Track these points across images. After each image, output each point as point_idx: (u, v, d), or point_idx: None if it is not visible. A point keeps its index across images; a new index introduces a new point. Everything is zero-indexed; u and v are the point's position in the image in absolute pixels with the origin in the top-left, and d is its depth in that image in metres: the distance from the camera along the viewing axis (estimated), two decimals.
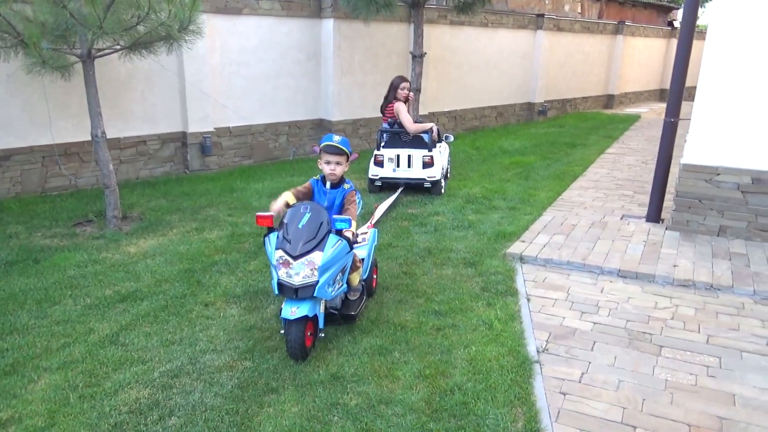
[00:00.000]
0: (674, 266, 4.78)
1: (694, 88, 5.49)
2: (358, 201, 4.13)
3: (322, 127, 10.03)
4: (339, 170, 3.69)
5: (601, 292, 4.45)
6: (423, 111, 10.90)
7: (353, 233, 3.53)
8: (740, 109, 5.18)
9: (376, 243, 4.38)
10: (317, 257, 3.27)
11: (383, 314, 4.00)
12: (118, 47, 5.63)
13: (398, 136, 7.07)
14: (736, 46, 5.09)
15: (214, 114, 8.50)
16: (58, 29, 5.08)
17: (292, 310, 3.28)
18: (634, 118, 15.19)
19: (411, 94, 7.42)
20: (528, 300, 4.29)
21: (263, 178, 7.92)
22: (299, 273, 3.26)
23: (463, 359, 3.46)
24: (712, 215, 5.49)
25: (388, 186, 7.17)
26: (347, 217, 3.40)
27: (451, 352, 3.54)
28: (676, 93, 5.64)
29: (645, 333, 3.80)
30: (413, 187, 7.12)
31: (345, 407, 2.98)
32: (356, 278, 3.84)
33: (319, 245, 3.30)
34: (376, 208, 5.91)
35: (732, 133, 5.25)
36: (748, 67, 5.08)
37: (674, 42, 20.66)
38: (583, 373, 3.34)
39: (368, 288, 4.14)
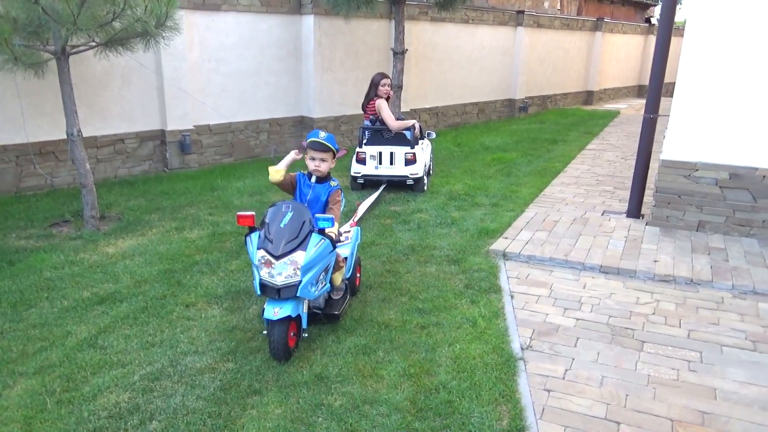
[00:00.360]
0: (655, 261, 4.83)
1: (673, 84, 5.55)
2: (342, 201, 4.10)
3: (303, 124, 9.95)
4: (324, 167, 3.65)
5: (584, 288, 4.48)
6: (405, 108, 10.88)
7: (336, 233, 3.49)
8: (718, 105, 5.24)
9: (359, 241, 4.36)
10: (300, 257, 3.23)
11: (367, 313, 3.98)
12: (94, 44, 5.52)
13: (380, 134, 7.02)
14: (714, 43, 5.15)
15: (194, 112, 8.39)
16: (30, 25, 4.94)
17: (274, 311, 3.24)
18: (614, 114, 15.35)
19: (391, 91, 7.39)
20: (511, 297, 4.30)
21: (244, 176, 7.84)
22: (282, 273, 3.21)
23: (447, 357, 3.45)
24: (691, 210, 5.56)
25: (370, 183, 7.14)
26: (330, 216, 3.35)
27: (435, 350, 3.53)
28: (655, 89, 5.69)
29: (627, 328, 3.83)
30: (396, 184, 7.09)
31: (329, 408, 2.95)
32: (339, 277, 3.81)
33: (302, 245, 3.27)
34: (358, 205, 5.88)
35: (710, 129, 5.32)
36: (725, 63, 5.15)
37: (652, 39, 20.93)
38: (566, 370, 3.35)
39: (351, 287, 4.11)
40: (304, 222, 3.32)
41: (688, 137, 5.42)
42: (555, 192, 7.19)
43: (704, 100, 5.29)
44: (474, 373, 3.28)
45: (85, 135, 6.36)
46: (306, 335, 3.55)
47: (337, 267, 3.74)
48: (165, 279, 4.51)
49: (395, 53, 9.43)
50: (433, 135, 7.62)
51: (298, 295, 3.24)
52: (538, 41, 15.04)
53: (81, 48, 5.49)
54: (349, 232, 4.24)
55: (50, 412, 2.88)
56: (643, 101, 5.70)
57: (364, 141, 7.12)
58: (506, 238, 5.42)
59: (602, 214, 6.19)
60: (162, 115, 8.10)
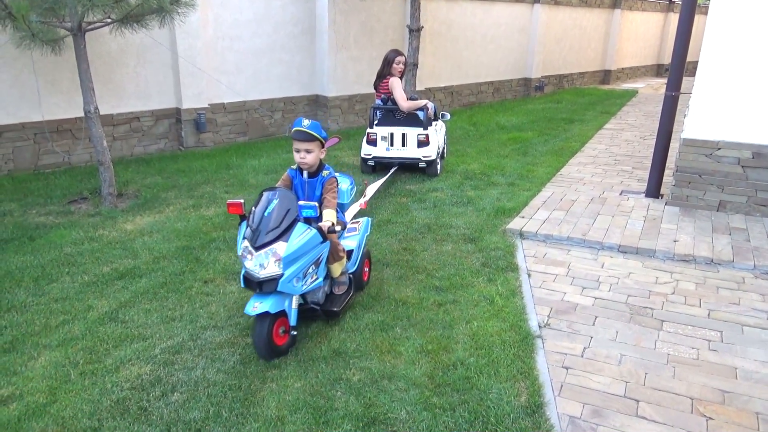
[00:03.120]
0: (674, 241, 4.77)
1: (694, 63, 5.42)
2: (350, 187, 4.01)
3: (317, 103, 9.91)
4: (310, 158, 3.35)
5: (602, 267, 4.44)
6: (419, 86, 10.77)
7: (334, 222, 3.24)
8: (742, 83, 5.12)
9: (368, 233, 4.08)
10: (281, 248, 2.97)
11: (384, 290, 3.98)
12: (109, 20, 5.50)
13: (392, 114, 6.74)
14: (738, 21, 5.02)
15: (208, 90, 8.37)
16: (46, 2, 4.94)
17: (254, 305, 3.02)
18: (632, 94, 15.10)
19: (405, 68, 7.11)
20: (529, 275, 4.28)
21: (259, 155, 7.84)
22: (262, 264, 2.98)
23: (464, 334, 3.45)
24: (712, 190, 5.47)
25: (381, 166, 6.93)
26: (313, 203, 3.07)
27: (452, 327, 3.53)
28: (678, 67, 5.57)
29: (646, 308, 3.81)
30: (408, 167, 6.89)
31: (348, 382, 2.97)
32: (338, 269, 3.54)
33: (284, 235, 3.01)
34: (366, 185, 5.62)
35: (733, 108, 5.21)
36: (750, 41, 5.02)
37: (672, 16, 20.47)
38: (585, 348, 3.34)
39: (358, 281, 3.86)
40: (288, 210, 3.06)
41: (711, 115, 5.32)
42: (572, 172, 7.11)
43: (728, 78, 5.17)
44: (492, 350, 3.28)
45: (101, 113, 6.37)
46: (294, 333, 3.22)
47: (335, 258, 3.47)
48: (183, 255, 4.54)
49: (411, 30, 9.32)
50: (448, 116, 7.37)
51: (279, 289, 3.00)
52: (555, 19, 14.78)
53: (97, 24, 5.48)
54: (358, 222, 4.02)
55: (74, 383, 2.93)
56: (662, 81, 5.59)
57: (376, 121, 6.85)
58: (523, 217, 5.39)
59: (620, 194, 6.12)
60: (177, 94, 8.09)
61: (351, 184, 4.10)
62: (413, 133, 6.62)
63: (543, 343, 3.38)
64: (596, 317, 3.69)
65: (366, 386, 2.95)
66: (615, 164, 7.52)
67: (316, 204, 3.08)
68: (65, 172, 6.87)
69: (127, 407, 2.76)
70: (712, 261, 4.45)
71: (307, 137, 3.32)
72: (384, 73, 6.73)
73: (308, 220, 3.11)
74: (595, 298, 3.94)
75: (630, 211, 5.56)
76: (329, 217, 3.25)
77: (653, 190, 5.94)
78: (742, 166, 5.29)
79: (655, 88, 16.74)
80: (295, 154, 3.37)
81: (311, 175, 3.45)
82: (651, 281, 4.20)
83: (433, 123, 6.89)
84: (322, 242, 3.21)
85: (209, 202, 5.87)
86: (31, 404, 2.77)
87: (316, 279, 3.28)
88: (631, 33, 18.78)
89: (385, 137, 6.71)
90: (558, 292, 4.03)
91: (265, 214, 3.05)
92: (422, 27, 9.45)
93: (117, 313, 3.64)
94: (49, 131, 6.96)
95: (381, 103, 6.86)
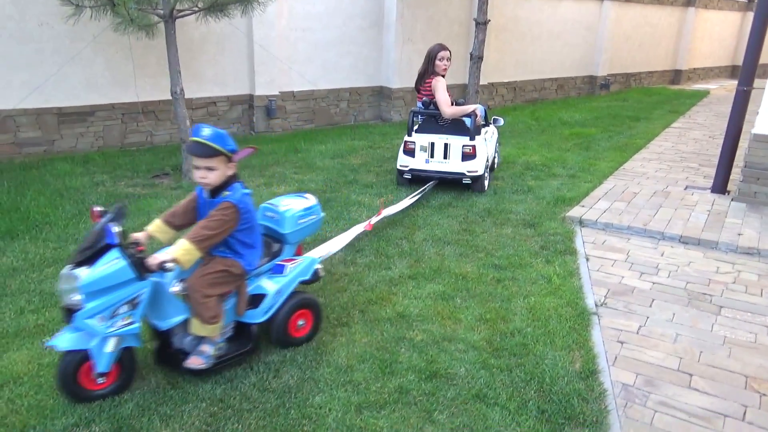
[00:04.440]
0: (739, 234, 4.74)
1: (765, 65, 5.33)
2: (300, 214, 3.19)
3: (382, 94, 10.18)
4: (213, 177, 2.65)
5: (662, 255, 4.49)
6: (483, 81, 10.86)
7: (165, 261, 2.48)
8: None
9: (306, 277, 3.12)
10: (82, 273, 2.45)
11: (445, 265, 4.18)
12: (197, 8, 5.93)
13: (434, 120, 5.87)
14: None
15: (280, 78, 8.78)
16: None
17: (53, 337, 2.56)
18: (703, 94, 14.62)
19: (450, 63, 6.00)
20: (587, 259, 4.39)
21: (325, 141, 8.18)
22: (66, 290, 2.49)
23: (522, 307, 3.61)
24: None
25: (419, 180, 5.89)
26: (115, 229, 2.45)
27: (510, 301, 3.70)
28: (751, 62, 5.49)
29: (705, 294, 3.85)
30: (449, 182, 5.90)
31: (411, 341, 3.20)
32: (200, 328, 2.66)
33: (91, 259, 2.48)
34: (381, 204, 4.93)
35: None
36: None
37: (749, 15, 19.58)
38: (640, 326, 3.44)
39: (279, 334, 3.01)
40: (104, 230, 2.49)
41: None
42: (635, 166, 7.08)
43: None
44: (548, 323, 3.43)
45: None
46: (102, 381, 2.60)
47: (202, 312, 2.62)
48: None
49: (477, 23, 9.40)
50: (501, 122, 6.36)
51: (75, 324, 2.48)
52: (624, 16, 14.49)
53: (186, 12, 5.91)
54: (294, 262, 3.12)
55: None
56: (736, 82, 5.48)
57: (415, 128, 5.97)
58: (583, 206, 5.46)
59: (685, 189, 6.08)
60: (251, 81, 8.54)
61: (308, 210, 3.26)
62: (458, 143, 5.66)
63: (599, 320, 3.50)
64: (653, 300, 3.76)
65: (428, 345, 3.16)
66: (681, 161, 7.42)
67: (118, 230, 2.48)
68: (148, 150, 7.41)
69: None
70: None
71: (207, 152, 2.61)
72: (426, 71, 5.92)
73: (119, 247, 2.49)
74: (653, 283, 4.00)
75: (694, 205, 5.53)
76: (174, 250, 2.52)
77: (720, 186, 5.87)
78: None
79: (728, 89, 16.11)
80: (194, 171, 2.71)
81: (213, 194, 2.76)
82: (712, 270, 4.22)
83: (483, 131, 6.00)
84: (137, 278, 2.53)
85: (279, 181, 6.23)
86: None
87: (130, 323, 2.56)
88: (706, 32, 18.13)
89: (425, 147, 5.77)
90: (616, 276, 4.12)
91: (89, 231, 2.61)
92: (489, 20, 9.54)
93: None
94: (141, 111, 7.52)
95: (422, 107, 5.97)
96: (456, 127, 5.79)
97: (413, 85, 10.23)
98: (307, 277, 3.13)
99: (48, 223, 4.74)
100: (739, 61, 20.43)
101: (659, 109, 11.85)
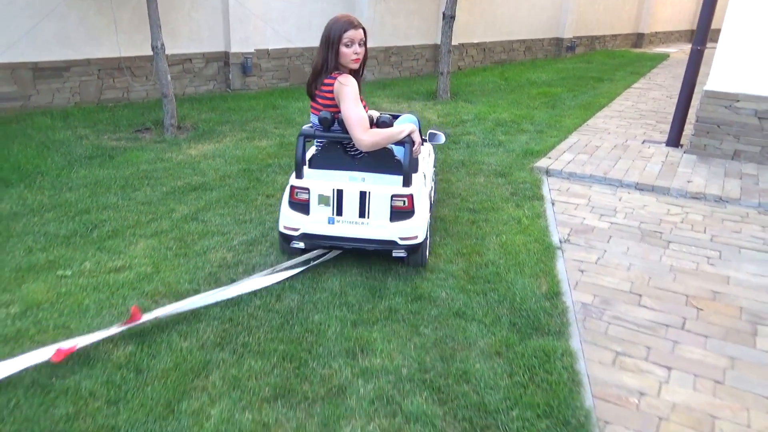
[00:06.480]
0: (688, 182, 5.22)
1: (718, 30, 5.74)
2: None
3: None
4: None
5: (619, 200, 4.93)
6: (454, 41, 11.09)
7: None
8: (761, 40, 5.45)
9: None
10: None
11: None
12: None
13: (341, 149, 3.41)
14: None
15: (255, 36, 8.85)
16: None
17: None
18: (663, 57, 15.17)
19: (365, 52, 3.41)
20: (552, 204, 4.79)
21: (303, 98, 8.35)
22: None
23: (494, 244, 4.00)
24: (729, 140, 5.86)
25: (318, 249, 3.65)
26: None
27: (484, 238, 4.08)
28: (705, 22, 5.90)
29: (656, 231, 4.31)
30: (367, 252, 3.67)
31: (396, 272, 3.55)
32: None
33: None
34: (133, 313, 2.79)
35: (753, 62, 5.55)
36: None
37: None
38: (599, 258, 3.87)
39: None
40: None
41: (732, 69, 5.67)
42: (598, 123, 7.51)
43: (749, 35, 5.50)
44: (518, 256, 3.82)
45: None
46: None
47: None
48: (245, 175, 5.13)
49: None
50: (442, 138, 4.19)
51: None
52: None
53: None
54: None
55: (171, 261, 3.56)
56: None
57: (309, 160, 3.50)
58: (549, 158, 5.86)
59: (642, 143, 6.54)
60: (226, 38, 8.59)
61: None
62: (383, 191, 3.32)
63: (563, 253, 3.91)
64: (611, 237, 4.20)
65: (411, 275, 3.52)
66: (640, 118, 7.89)
67: None
68: (126, 107, 7.48)
69: (218, 278, 3.38)
70: (720, 199, 4.91)
71: None
72: (325, 64, 3.33)
73: None
74: (611, 223, 4.44)
75: (650, 156, 5.99)
76: None
77: (674, 140, 6.34)
78: (759, 118, 5.66)
79: (686, 52, 16.68)
80: None
81: None
82: (663, 212, 4.68)
83: (420, 159, 3.73)
84: None
85: (261, 135, 6.44)
86: (140, 273, 3.41)
87: None
88: None
89: (326, 197, 3.34)
90: (578, 217, 4.54)
91: None
92: None
93: (196, 215, 4.26)
94: (114, 67, 7.54)
95: (317, 125, 3.37)
96: (379, 161, 3.39)
97: (385, 45, 10.51)
98: None
99: (40, 173, 4.89)
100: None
101: (622, 71, 12.32)
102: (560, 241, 4.09)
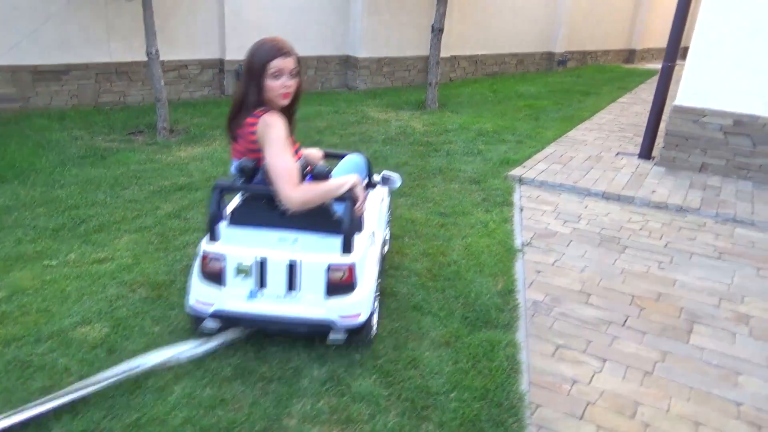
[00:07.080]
0: (653, 192, 5.46)
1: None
2: None
3: (348, 63, 10.61)
4: None
5: (585, 208, 5.17)
6: (446, 53, 11.37)
7: None
8: (726, 58, 5.71)
9: None
10: None
11: (397, 213, 4.77)
12: None
13: (266, 203, 2.77)
14: (726, 3, 5.59)
15: (249, 44, 9.08)
16: None
17: None
18: (652, 73, 15.45)
19: (298, 85, 2.78)
20: (521, 210, 5.03)
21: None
22: None
23: (460, 245, 4.23)
24: (696, 153, 6.11)
25: (235, 326, 3.03)
26: None
27: (450, 240, 4.31)
28: (675, 40, 6.17)
29: (615, 237, 4.54)
30: (298, 336, 2.98)
31: None
32: None
33: None
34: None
35: (719, 79, 5.81)
36: (734, 22, 5.59)
37: None
38: (556, 260, 4.10)
39: None
40: None
41: (699, 85, 5.93)
42: (577, 135, 7.77)
43: (715, 53, 5.76)
44: (480, 257, 4.05)
45: None
46: None
47: None
48: (230, 177, 5.37)
49: None
50: (397, 183, 3.54)
51: None
52: None
53: None
54: None
55: (152, 254, 3.80)
56: (685, 62, 6.13)
57: (227, 220, 2.87)
58: (524, 167, 6.10)
59: (616, 155, 6.79)
60: (221, 45, 8.87)
61: None
62: (316, 260, 2.70)
63: (523, 256, 4.14)
64: (571, 241, 4.43)
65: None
66: (619, 131, 8.14)
67: None
68: (122, 110, 7.74)
69: None
70: (681, 208, 5.14)
71: None
72: (247, 99, 2.72)
73: None
74: (574, 229, 4.68)
75: (621, 168, 6.24)
76: None
77: (645, 152, 6.59)
78: (724, 132, 5.91)
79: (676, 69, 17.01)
80: None
81: None
82: (625, 220, 4.92)
83: (366, 212, 3.03)
84: None
85: None
86: (121, 264, 3.64)
87: None
88: (661, 12, 18.94)
89: (247, 268, 2.71)
90: (543, 223, 4.77)
91: None
92: None
93: (180, 213, 4.50)
94: (112, 71, 7.81)
95: (236, 173, 2.78)
96: (315, 218, 2.77)
97: (378, 55, 10.83)
98: None
99: (34, 171, 5.14)
100: (690, 42, 21.40)
101: (609, 86, 12.60)
102: (522, 245, 4.32)
